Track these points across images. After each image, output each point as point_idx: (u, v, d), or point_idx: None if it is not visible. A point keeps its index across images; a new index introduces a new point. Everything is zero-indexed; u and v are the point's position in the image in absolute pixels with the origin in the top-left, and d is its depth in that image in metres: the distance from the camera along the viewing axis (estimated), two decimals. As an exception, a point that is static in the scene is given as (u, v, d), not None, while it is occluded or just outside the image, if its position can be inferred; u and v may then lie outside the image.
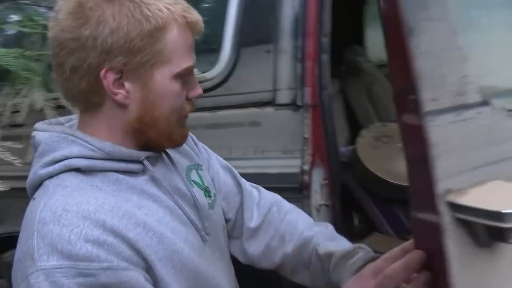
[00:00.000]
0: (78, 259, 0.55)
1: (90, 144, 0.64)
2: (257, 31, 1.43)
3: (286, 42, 1.39)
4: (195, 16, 0.67)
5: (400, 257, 0.61)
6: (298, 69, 1.37)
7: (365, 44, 3.46)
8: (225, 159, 1.42)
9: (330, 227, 0.92)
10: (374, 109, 2.68)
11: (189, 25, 0.66)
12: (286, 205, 0.97)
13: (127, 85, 0.64)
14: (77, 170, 0.64)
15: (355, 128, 2.77)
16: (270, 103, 1.41)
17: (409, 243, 0.65)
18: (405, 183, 1.94)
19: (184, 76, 0.68)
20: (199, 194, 0.78)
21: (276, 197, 1.00)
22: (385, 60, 3.46)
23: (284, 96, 1.39)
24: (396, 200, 1.91)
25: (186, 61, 0.67)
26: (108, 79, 0.62)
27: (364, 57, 3.20)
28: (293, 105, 1.38)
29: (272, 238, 0.87)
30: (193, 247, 0.71)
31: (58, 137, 0.66)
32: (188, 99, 0.71)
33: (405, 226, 1.84)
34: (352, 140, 2.62)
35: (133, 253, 0.60)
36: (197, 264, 0.70)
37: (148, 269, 0.63)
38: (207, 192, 0.81)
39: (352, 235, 1.94)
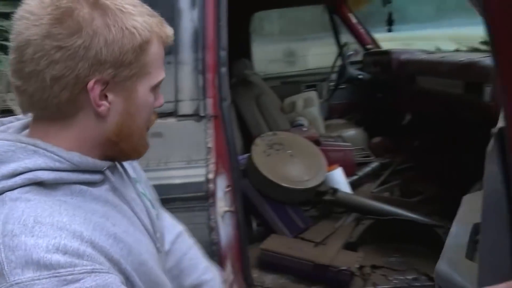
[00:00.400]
0: (59, 267, 0.52)
1: (57, 155, 0.59)
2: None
3: (186, 54, 1.42)
4: (170, 29, 0.67)
5: None
6: (199, 81, 1.41)
7: (252, 58, 3.71)
8: (126, 172, 1.39)
9: (218, 278, 0.97)
10: (263, 119, 2.87)
11: (165, 39, 0.66)
12: (189, 239, 1.01)
13: (110, 97, 0.62)
14: (39, 184, 0.59)
15: (246, 137, 2.94)
16: (173, 114, 1.41)
17: None
18: (297, 186, 2.13)
19: (156, 88, 0.68)
20: (148, 205, 0.77)
21: (181, 227, 1.02)
22: (271, 73, 3.75)
23: (186, 107, 1.41)
24: (290, 203, 2.08)
25: (161, 74, 0.67)
26: (95, 91, 0.59)
27: (251, 70, 3.40)
28: (195, 116, 1.41)
29: (173, 268, 0.89)
30: (153, 259, 0.70)
31: (13, 147, 0.59)
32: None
33: (299, 226, 2.02)
34: (245, 149, 2.76)
35: (111, 264, 0.59)
36: (158, 275, 0.70)
37: (126, 280, 0.61)
38: (151, 203, 0.80)
39: (252, 238, 2.05)
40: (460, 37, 2.54)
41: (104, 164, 0.66)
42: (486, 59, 1.68)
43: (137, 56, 0.61)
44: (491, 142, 0.42)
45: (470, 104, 1.78)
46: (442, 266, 0.70)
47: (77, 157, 0.62)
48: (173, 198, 1.40)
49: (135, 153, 0.70)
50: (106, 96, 0.61)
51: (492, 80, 1.51)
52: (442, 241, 1.74)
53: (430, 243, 1.83)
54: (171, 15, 1.42)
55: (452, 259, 0.71)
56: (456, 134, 2.38)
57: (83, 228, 0.57)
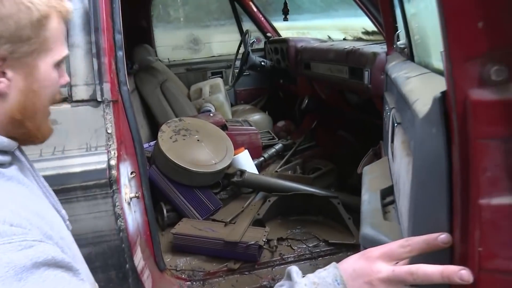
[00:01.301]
0: (12, 234, 0.51)
1: None
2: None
3: (78, 37, 1.35)
4: (69, 4, 0.66)
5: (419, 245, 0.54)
6: (94, 65, 1.35)
7: (154, 45, 3.61)
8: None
9: None
10: (170, 106, 2.84)
11: (65, 14, 0.65)
12: None
13: (9, 73, 0.59)
14: None
15: (152, 124, 2.88)
16: (67, 99, 1.34)
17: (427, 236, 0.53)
18: (205, 170, 2.16)
19: (60, 64, 0.67)
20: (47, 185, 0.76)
21: None
22: (175, 60, 3.68)
23: (82, 92, 1.35)
24: (199, 186, 2.12)
25: (64, 50, 0.66)
26: None
27: (154, 56, 3.32)
28: (92, 101, 1.36)
29: None
30: (69, 235, 0.71)
31: None
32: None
33: (210, 208, 2.07)
34: (152, 137, 2.71)
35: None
36: (76, 249, 0.72)
37: None
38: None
39: (164, 225, 2.05)
40: (346, 27, 2.80)
41: (14, 144, 0.65)
42: (365, 47, 1.90)
43: (35, 31, 0.60)
44: (431, 107, 0.48)
45: (354, 86, 2.00)
46: (366, 230, 0.79)
47: None
48: (73, 188, 1.33)
49: (40, 134, 0.69)
50: (4, 73, 0.60)
51: (369, 65, 1.71)
52: (337, 210, 1.96)
53: (327, 213, 2.04)
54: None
55: (373, 223, 0.80)
56: (348, 115, 2.66)
57: (13, 206, 0.57)
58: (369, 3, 1.65)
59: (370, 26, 2.25)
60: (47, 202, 0.70)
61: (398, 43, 1.25)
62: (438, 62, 0.82)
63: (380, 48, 1.75)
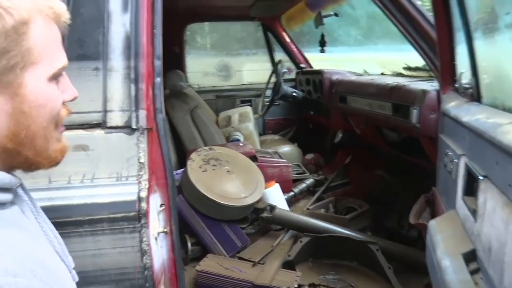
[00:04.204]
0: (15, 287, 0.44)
1: None
2: (82, 45, 1.28)
3: (116, 61, 1.30)
4: (60, 5, 0.56)
5: None
6: (132, 91, 1.29)
7: (185, 70, 3.61)
8: (43, 189, 1.20)
9: None
10: (199, 133, 2.77)
11: (54, 17, 0.55)
12: None
13: None
14: None
15: (180, 151, 2.81)
16: (100, 125, 1.27)
17: None
18: (235, 203, 2.06)
19: (58, 77, 0.56)
20: (54, 230, 0.66)
21: None
22: (205, 87, 3.68)
23: (116, 118, 1.28)
24: (227, 220, 2.00)
25: (60, 59, 0.55)
26: None
27: (186, 82, 3.30)
28: (127, 128, 1.28)
29: None
30: (74, 287, 0.61)
31: None
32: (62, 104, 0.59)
33: (237, 245, 1.94)
34: (179, 164, 2.63)
35: None
36: None
37: None
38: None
39: (187, 259, 1.93)
40: (385, 61, 2.72)
41: (17, 181, 0.55)
42: (412, 83, 1.80)
43: (12, 42, 0.49)
44: None
45: (397, 124, 1.87)
46: None
47: None
48: (100, 219, 1.24)
49: (46, 160, 0.59)
50: None
51: (418, 103, 1.60)
52: (375, 257, 1.80)
53: (364, 259, 1.87)
54: (100, 18, 1.30)
55: None
56: (385, 152, 2.52)
57: (16, 255, 0.48)
58: (420, 38, 1.55)
59: (413, 61, 2.15)
60: (51, 250, 0.60)
61: (463, 82, 1.14)
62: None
63: (430, 86, 1.64)
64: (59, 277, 0.54)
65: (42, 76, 0.53)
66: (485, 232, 0.69)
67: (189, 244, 1.93)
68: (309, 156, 3.10)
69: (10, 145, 0.52)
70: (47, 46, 0.53)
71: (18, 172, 0.59)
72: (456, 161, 0.94)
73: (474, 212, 0.76)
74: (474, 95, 1.09)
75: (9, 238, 0.49)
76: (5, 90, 0.50)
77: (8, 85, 0.50)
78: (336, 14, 2.43)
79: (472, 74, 1.08)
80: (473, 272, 0.72)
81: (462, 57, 1.19)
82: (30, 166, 0.58)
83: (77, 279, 0.68)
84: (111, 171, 1.27)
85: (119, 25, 1.31)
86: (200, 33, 3.95)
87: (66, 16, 0.57)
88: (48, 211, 0.73)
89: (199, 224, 1.95)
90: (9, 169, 0.55)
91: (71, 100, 0.60)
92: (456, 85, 1.24)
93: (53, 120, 0.57)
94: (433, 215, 1.34)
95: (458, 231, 0.84)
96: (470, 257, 0.76)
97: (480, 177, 0.70)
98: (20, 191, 0.57)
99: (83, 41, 1.29)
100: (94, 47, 1.29)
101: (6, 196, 0.53)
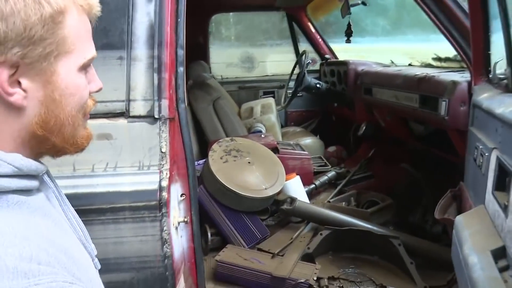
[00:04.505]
0: (40, 274, 0.44)
1: None
2: (106, 34, 1.29)
3: (141, 50, 1.30)
4: None
5: None
6: (155, 80, 1.29)
7: (209, 61, 3.61)
8: (68, 177, 1.23)
9: None
10: (221, 124, 2.78)
11: (87, 8, 0.56)
12: None
13: (24, 82, 0.50)
14: None
15: (202, 141, 2.83)
16: (124, 114, 1.28)
17: None
18: (256, 195, 2.05)
19: (87, 68, 0.57)
20: (78, 218, 0.67)
21: None
22: (228, 78, 3.67)
23: (139, 108, 1.29)
24: (247, 211, 2.00)
25: (90, 50, 0.57)
26: (1, 76, 0.48)
27: (209, 73, 3.30)
28: (149, 117, 1.29)
29: None
30: (96, 275, 0.62)
31: None
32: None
33: (256, 236, 1.94)
34: (200, 154, 2.65)
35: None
36: None
37: None
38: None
39: (207, 249, 1.94)
40: (413, 52, 2.62)
41: (43, 167, 0.56)
42: (441, 74, 1.73)
43: (49, 30, 0.50)
44: None
45: (425, 117, 1.81)
46: None
47: (19, 159, 0.51)
48: (122, 208, 1.26)
49: (73, 146, 0.60)
50: (18, 83, 0.51)
51: (448, 95, 1.54)
52: (397, 252, 1.76)
53: (385, 254, 1.84)
54: (124, 7, 1.30)
55: None
56: (411, 145, 2.45)
57: (40, 242, 0.48)
58: (452, 27, 1.48)
59: (443, 51, 2.07)
60: (75, 238, 0.61)
61: (497, 72, 1.08)
62: None
63: (460, 77, 1.57)
64: (81, 265, 0.54)
65: (73, 65, 0.54)
66: (516, 230, 0.65)
67: (209, 234, 1.94)
68: (332, 148, 3.05)
69: (40, 131, 0.54)
70: (79, 37, 0.54)
71: (45, 160, 0.61)
72: (487, 154, 0.90)
73: (505, 208, 0.72)
74: (509, 86, 1.03)
75: (34, 225, 0.50)
76: (38, 77, 0.51)
77: (42, 73, 0.51)
78: (364, 3, 2.36)
79: (508, 64, 1.02)
80: (502, 270, 0.69)
81: (496, 47, 1.13)
82: (57, 152, 0.59)
83: (99, 266, 0.69)
84: (134, 160, 1.28)
85: (143, 14, 1.31)
86: (224, 25, 3.93)
87: (97, 8, 0.58)
88: (72, 198, 0.75)
89: (219, 214, 1.96)
90: (36, 156, 0.57)
91: (97, 92, 0.61)
92: (490, 76, 1.18)
93: (81, 109, 0.58)
94: (460, 210, 1.29)
95: (487, 227, 0.80)
96: (500, 253, 0.72)
97: (513, 173, 0.66)
98: (46, 178, 0.58)
99: (108, 31, 1.29)
100: (119, 36, 1.29)
101: (32, 183, 0.54)
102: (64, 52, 0.53)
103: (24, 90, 0.51)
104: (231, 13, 3.83)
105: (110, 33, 1.30)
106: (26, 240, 0.46)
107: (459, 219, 0.96)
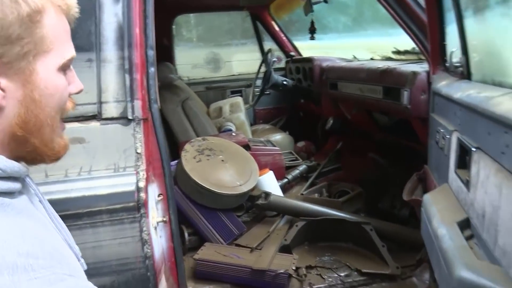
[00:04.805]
0: (39, 268, 0.45)
1: None
2: (74, 36, 1.27)
3: (110, 51, 1.29)
4: None
5: None
6: (126, 81, 1.29)
7: (175, 63, 3.58)
8: (41, 184, 1.20)
9: None
10: (190, 124, 2.77)
11: (65, 9, 0.56)
12: None
13: (3, 82, 0.50)
14: None
15: (172, 143, 2.81)
16: (96, 117, 1.26)
17: None
18: (230, 192, 2.07)
19: (66, 68, 0.57)
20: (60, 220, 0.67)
21: None
22: (195, 78, 3.64)
23: (111, 110, 1.28)
24: (223, 209, 2.02)
25: (69, 51, 0.57)
26: None
27: (176, 75, 3.28)
28: (122, 119, 1.28)
29: None
30: (84, 273, 0.61)
31: None
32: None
33: (234, 232, 1.96)
34: (172, 156, 2.63)
35: None
36: None
37: None
38: None
39: (185, 249, 1.94)
40: (374, 46, 2.74)
41: (26, 170, 0.56)
42: (402, 66, 1.82)
43: (27, 29, 0.51)
44: None
45: (388, 107, 1.90)
46: (463, 273, 0.66)
47: (3, 161, 0.51)
48: (98, 211, 1.24)
49: (50, 151, 0.60)
50: None
51: (409, 85, 1.63)
52: (369, 237, 1.84)
53: (359, 240, 1.92)
54: (91, 8, 1.29)
55: (468, 264, 0.67)
56: (376, 136, 2.56)
57: (33, 240, 0.49)
58: (410, 21, 1.57)
59: (402, 45, 2.18)
60: (61, 238, 0.62)
61: (453, 61, 1.16)
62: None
63: (420, 68, 1.67)
64: (71, 263, 0.55)
65: (52, 65, 0.54)
66: (478, 200, 0.72)
67: (186, 234, 1.94)
68: (301, 143, 3.12)
69: (20, 132, 0.53)
70: (58, 36, 0.55)
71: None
72: (448, 137, 0.97)
73: (467, 183, 0.79)
74: (464, 73, 1.12)
75: (20, 226, 0.50)
76: (17, 77, 0.51)
77: (20, 72, 0.51)
78: (325, 1, 2.43)
79: (462, 53, 1.11)
80: (468, 238, 0.75)
81: (451, 37, 1.22)
82: (35, 156, 0.59)
83: (85, 267, 0.69)
84: (108, 162, 1.27)
85: (111, 15, 1.30)
86: (185, 27, 3.91)
87: (75, 9, 0.59)
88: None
89: (195, 214, 1.97)
90: (16, 160, 0.56)
91: (77, 93, 0.62)
92: (446, 65, 1.27)
93: (60, 111, 0.58)
94: (425, 191, 1.37)
95: (452, 202, 0.88)
96: (464, 225, 0.79)
97: (473, 149, 0.73)
98: (28, 180, 0.58)
99: (75, 33, 1.27)
100: (87, 38, 1.27)
101: (15, 185, 0.54)
102: (43, 52, 0.53)
103: (3, 90, 0.51)
104: (191, 15, 3.82)
105: (77, 35, 1.27)
106: (19, 238, 0.47)
107: (427, 197, 1.03)
